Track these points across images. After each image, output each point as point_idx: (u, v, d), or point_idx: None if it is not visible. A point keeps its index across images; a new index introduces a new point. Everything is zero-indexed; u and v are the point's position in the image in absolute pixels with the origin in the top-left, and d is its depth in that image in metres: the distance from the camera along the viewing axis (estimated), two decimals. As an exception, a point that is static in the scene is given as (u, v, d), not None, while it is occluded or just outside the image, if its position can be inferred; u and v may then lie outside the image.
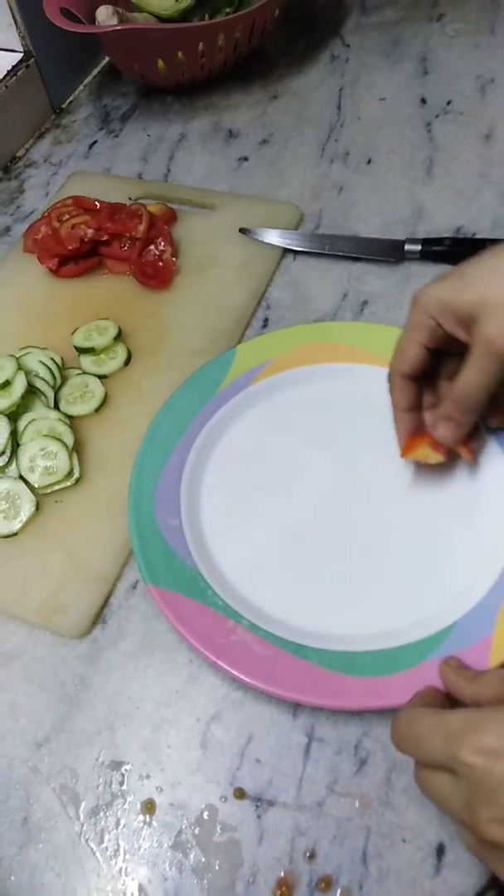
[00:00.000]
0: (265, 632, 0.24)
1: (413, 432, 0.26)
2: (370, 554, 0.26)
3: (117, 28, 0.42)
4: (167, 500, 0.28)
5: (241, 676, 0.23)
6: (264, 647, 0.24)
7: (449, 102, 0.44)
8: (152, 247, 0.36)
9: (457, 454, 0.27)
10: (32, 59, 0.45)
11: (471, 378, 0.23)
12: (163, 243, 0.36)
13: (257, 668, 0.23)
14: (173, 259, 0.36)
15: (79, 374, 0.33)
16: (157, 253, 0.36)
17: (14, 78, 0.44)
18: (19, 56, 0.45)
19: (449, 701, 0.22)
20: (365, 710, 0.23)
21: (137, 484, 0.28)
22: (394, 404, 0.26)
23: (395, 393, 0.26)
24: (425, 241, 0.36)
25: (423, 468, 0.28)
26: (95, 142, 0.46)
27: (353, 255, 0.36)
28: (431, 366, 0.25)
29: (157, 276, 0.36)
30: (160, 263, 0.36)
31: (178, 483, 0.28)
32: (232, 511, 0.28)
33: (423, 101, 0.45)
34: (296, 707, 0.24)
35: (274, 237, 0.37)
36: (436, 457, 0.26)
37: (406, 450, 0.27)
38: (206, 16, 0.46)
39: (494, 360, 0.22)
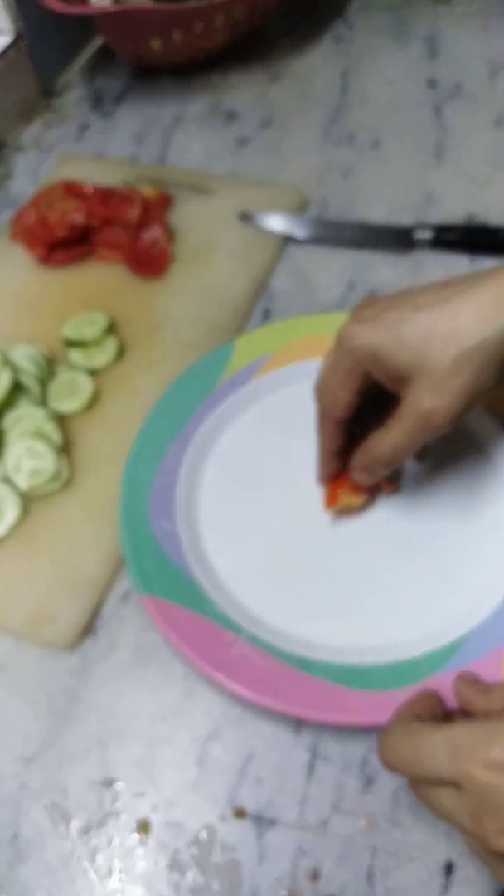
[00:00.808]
0: (266, 644, 0.23)
1: (335, 476, 0.25)
2: (377, 561, 0.25)
3: (111, 10, 0.40)
4: (162, 503, 0.26)
5: (242, 691, 0.22)
6: (265, 660, 0.23)
7: (458, 85, 0.43)
8: (146, 233, 0.35)
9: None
10: (23, 42, 0.43)
11: (396, 441, 0.22)
12: (157, 229, 0.35)
13: (258, 682, 0.22)
14: (168, 246, 0.35)
15: (68, 368, 0.31)
16: (152, 240, 0.35)
17: (4, 61, 0.42)
18: (10, 38, 0.43)
19: (442, 711, 0.21)
20: (372, 725, 0.22)
21: (130, 486, 0.26)
22: (322, 447, 0.25)
23: (325, 438, 0.24)
24: (436, 229, 0.34)
25: (431, 473, 0.26)
26: (88, 125, 0.44)
27: (360, 243, 0.35)
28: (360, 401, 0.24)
29: (151, 264, 0.35)
30: (154, 251, 0.35)
31: (173, 485, 0.27)
32: (231, 515, 0.27)
33: (432, 83, 0.43)
34: (299, 723, 0.23)
35: (276, 223, 0.36)
36: (357, 500, 0.25)
37: (330, 502, 0.26)
38: (204, -7, 0.44)
39: (425, 430, 0.21)
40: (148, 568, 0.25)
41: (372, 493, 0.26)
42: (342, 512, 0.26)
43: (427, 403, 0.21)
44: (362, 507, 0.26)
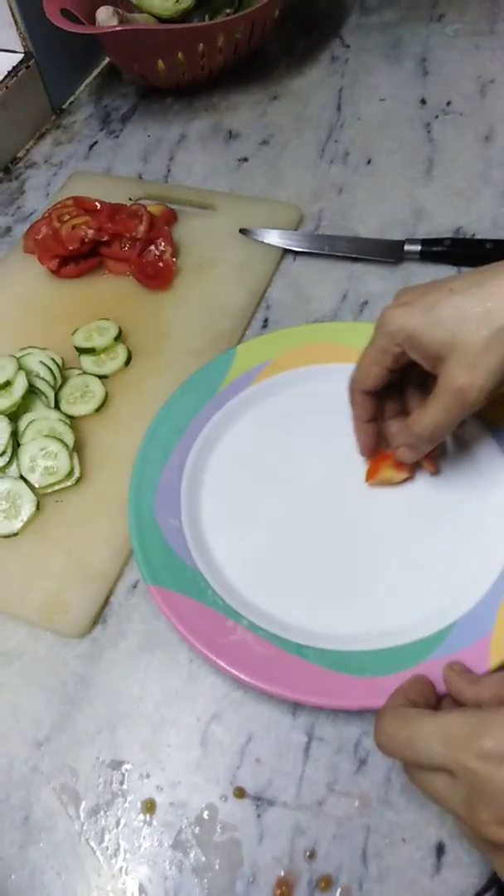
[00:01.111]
0: (265, 631, 0.24)
1: (374, 446, 0.27)
2: (370, 554, 0.26)
3: (117, 29, 0.42)
4: (167, 499, 0.28)
5: (241, 676, 0.23)
6: (264, 647, 0.24)
7: (449, 103, 0.44)
8: (152, 247, 0.36)
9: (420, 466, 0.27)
10: (33, 60, 0.45)
11: (435, 418, 0.23)
12: (163, 244, 0.36)
13: (257, 667, 0.24)
14: (173, 259, 0.36)
15: (79, 374, 0.33)
16: (158, 253, 0.36)
17: (14, 79, 0.44)
18: (20, 57, 0.45)
19: (435, 697, 0.22)
20: (364, 709, 0.23)
21: (138, 483, 0.28)
22: (354, 416, 0.27)
23: (356, 407, 0.26)
24: (425, 242, 0.36)
25: (423, 472, 0.28)
26: (96, 142, 0.46)
27: (353, 256, 0.36)
28: (392, 379, 0.25)
29: (157, 276, 0.36)
30: (160, 264, 0.36)
31: (178, 483, 0.28)
32: (232, 511, 0.28)
33: (423, 101, 0.45)
34: (296, 706, 0.24)
35: (274, 238, 0.37)
36: (400, 475, 0.27)
37: (370, 475, 0.27)
38: (207, 17, 0.46)
39: (461, 406, 0.22)
40: (154, 560, 0.26)
41: (412, 470, 0.27)
42: (380, 484, 0.27)
43: (461, 380, 0.22)
44: (400, 482, 0.27)
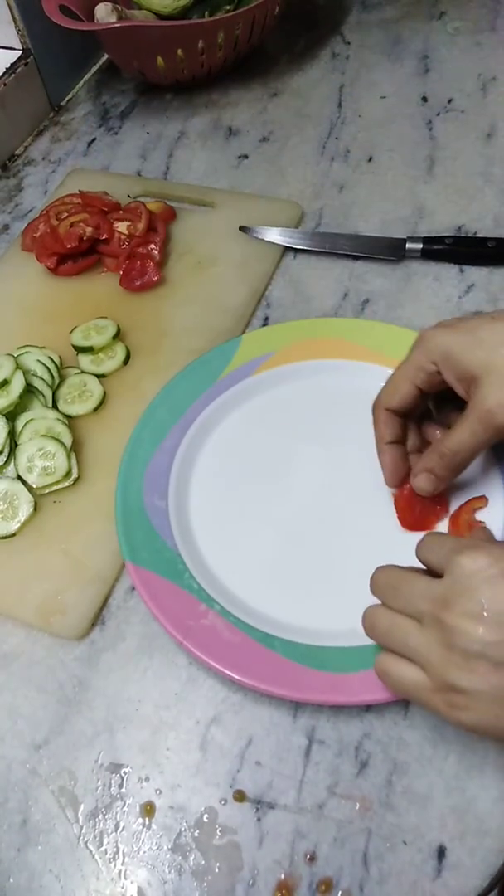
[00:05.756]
0: (235, 618, 0.24)
1: (400, 473, 0.26)
2: (350, 551, 0.26)
3: (116, 25, 0.41)
4: (157, 480, 0.28)
5: (206, 659, 0.23)
6: (233, 633, 0.24)
7: (450, 100, 0.44)
8: (140, 248, 0.36)
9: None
10: (31, 57, 0.45)
11: (462, 440, 0.23)
12: (151, 245, 0.36)
13: (223, 653, 0.23)
14: (159, 263, 0.35)
15: (77, 373, 0.33)
16: (145, 252, 0.36)
17: (13, 75, 0.44)
18: (18, 53, 0.45)
19: None
20: (323, 704, 0.23)
21: (129, 462, 0.28)
22: (378, 437, 0.26)
23: (379, 426, 0.26)
24: (426, 240, 0.36)
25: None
26: (94, 139, 0.46)
27: (354, 254, 0.36)
28: (419, 405, 0.25)
29: (140, 277, 0.35)
30: (146, 267, 0.35)
31: (169, 465, 0.28)
32: (219, 498, 0.28)
33: (424, 99, 0.45)
34: (296, 709, 0.24)
35: (274, 235, 0.37)
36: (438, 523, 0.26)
37: (408, 521, 0.26)
38: (206, 13, 0.46)
39: (489, 430, 0.22)
40: (135, 538, 0.26)
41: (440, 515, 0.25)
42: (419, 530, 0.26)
43: (491, 400, 0.21)
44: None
